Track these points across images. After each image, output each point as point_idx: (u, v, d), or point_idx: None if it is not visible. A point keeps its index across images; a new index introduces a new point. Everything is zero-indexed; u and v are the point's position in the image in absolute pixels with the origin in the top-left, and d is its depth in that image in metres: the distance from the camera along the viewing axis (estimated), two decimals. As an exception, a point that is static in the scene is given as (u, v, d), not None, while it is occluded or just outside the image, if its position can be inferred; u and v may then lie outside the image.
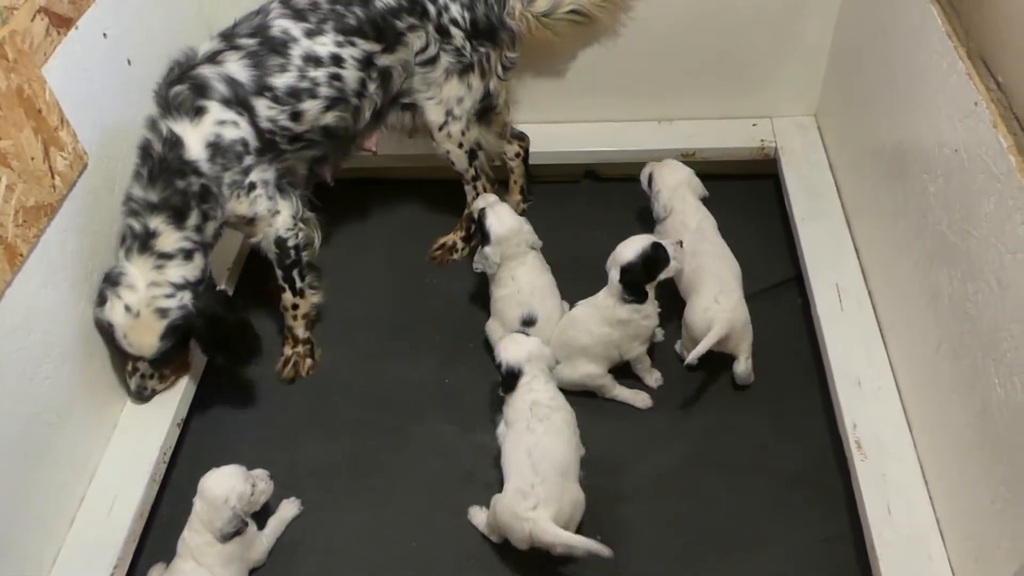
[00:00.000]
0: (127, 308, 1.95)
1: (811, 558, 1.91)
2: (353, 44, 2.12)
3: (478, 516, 2.01)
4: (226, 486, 1.85)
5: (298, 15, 2.10)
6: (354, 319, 2.47)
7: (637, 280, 2.11)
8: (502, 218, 2.26)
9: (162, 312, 1.96)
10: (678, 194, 2.43)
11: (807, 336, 2.31)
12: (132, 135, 2.11)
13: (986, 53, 1.67)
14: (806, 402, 2.19)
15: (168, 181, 1.95)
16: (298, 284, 2.26)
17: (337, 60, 2.11)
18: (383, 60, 2.18)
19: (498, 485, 2.07)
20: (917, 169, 1.87)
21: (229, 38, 2.07)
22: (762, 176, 2.74)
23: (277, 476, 2.03)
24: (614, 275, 2.13)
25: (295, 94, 2.08)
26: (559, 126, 2.77)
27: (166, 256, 1.96)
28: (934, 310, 1.79)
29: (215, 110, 1.99)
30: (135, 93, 2.12)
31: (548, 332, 2.23)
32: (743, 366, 2.17)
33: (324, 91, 2.11)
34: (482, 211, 2.28)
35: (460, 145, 2.42)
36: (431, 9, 2.20)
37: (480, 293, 2.45)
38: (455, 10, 2.23)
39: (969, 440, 1.63)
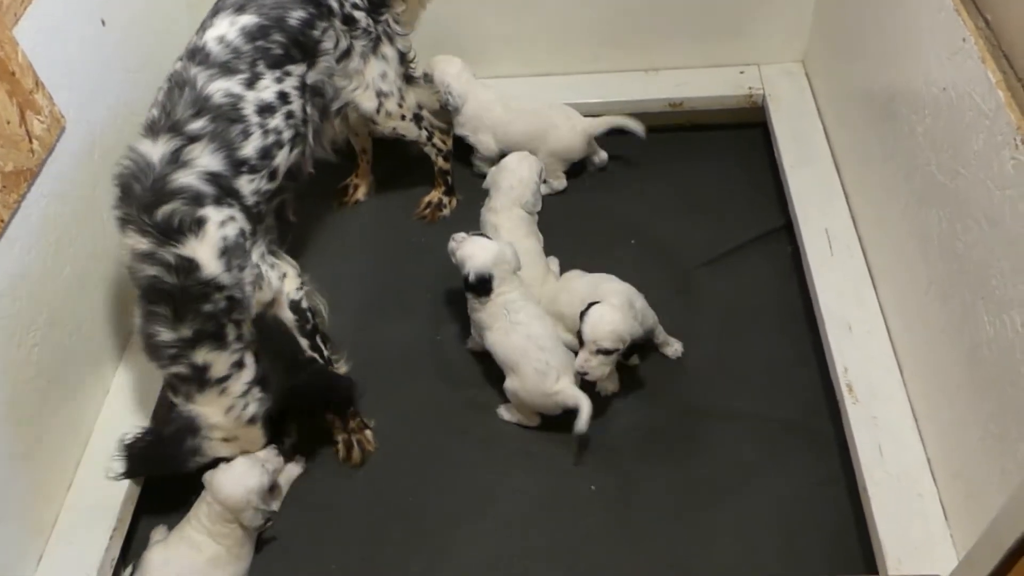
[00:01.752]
0: (225, 440, 1.87)
1: (804, 501, 1.93)
2: (288, 74, 1.96)
3: (507, 415, 2.12)
4: (244, 489, 1.82)
5: (226, 70, 1.86)
6: (343, 281, 2.45)
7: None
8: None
9: (251, 419, 1.88)
10: (463, 79, 2.56)
11: (798, 284, 2.32)
12: (110, 97, 2.09)
13: (975, -11, 1.65)
14: (797, 349, 2.20)
15: (196, 311, 1.76)
16: (325, 352, 2.08)
17: (284, 97, 1.94)
18: (312, 77, 2.04)
19: (496, 438, 2.10)
20: (905, 110, 1.86)
21: (175, 129, 1.79)
22: (751, 125, 2.72)
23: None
24: None
25: (266, 154, 1.90)
26: (544, 78, 2.75)
27: (224, 379, 1.82)
28: (923, 251, 1.79)
29: (213, 214, 1.78)
30: (111, 55, 2.08)
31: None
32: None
33: (286, 135, 1.95)
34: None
35: (403, 117, 2.37)
36: (334, 5, 2.09)
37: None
38: None
39: (958, 379, 1.64)
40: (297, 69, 1.99)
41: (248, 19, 1.92)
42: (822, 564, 1.83)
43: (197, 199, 1.76)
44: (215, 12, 1.95)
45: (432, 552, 1.93)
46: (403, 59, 2.33)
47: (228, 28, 1.90)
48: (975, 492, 1.59)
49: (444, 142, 2.53)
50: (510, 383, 2.05)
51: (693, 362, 2.20)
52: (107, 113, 2.08)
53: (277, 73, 1.94)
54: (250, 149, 1.87)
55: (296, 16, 1.99)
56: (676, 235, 2.48)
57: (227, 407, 1.84)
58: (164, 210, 1.73)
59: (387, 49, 2.27)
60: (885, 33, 2.00)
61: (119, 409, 2.07)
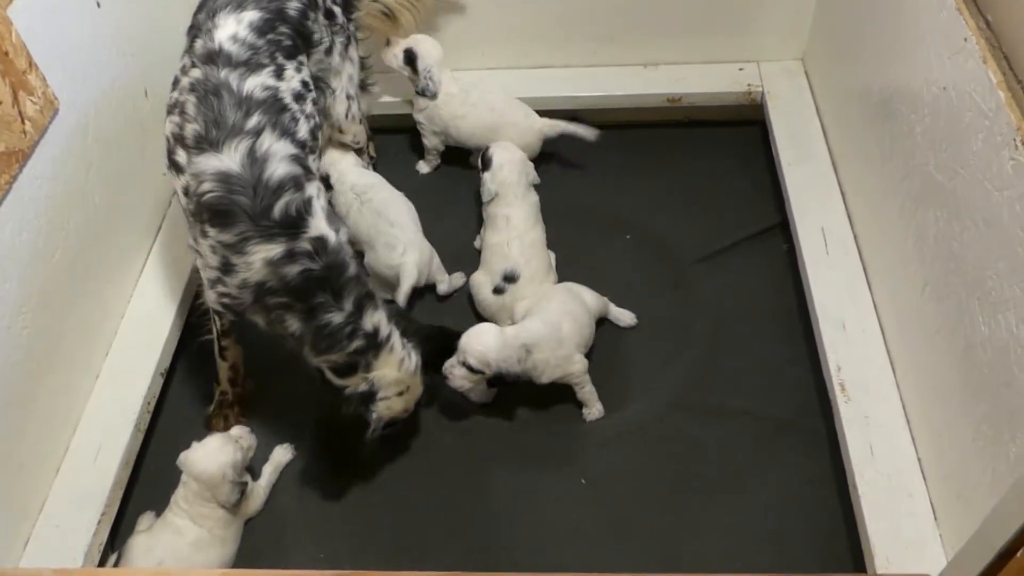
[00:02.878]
0: (400, 394, 1.89)
1: (794, 499, 1.93)
2: (302, 63, 1.97)
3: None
4: (217, 463, 1.82)
5: (252, 67, 1.84)
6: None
7: None
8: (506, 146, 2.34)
9: (416, 368, 1.92)
10: (441, 67, 2.48)
11: (793, 282, 2.31)
12: (104, 80, 2.07)
13: (976, -11, 1.65)
14: (791, 347, 2.20)
15: (346, 281, 1.78)
16: None
17: (306, 85, 1.96)
18: (312, 68, 2.06)
19: (486, 430, 2.10)
20: (904, 109, 1.86)
21: (235, 132, 1.75)
22: (748, 122, 2.72)
23: (263, 419, 2.03)
24: None
25: (314, 136, 1.94)
26: (542, 71, 2.73)
27: (389, 336, 1.85)
28: (919, 251, 1.78)
29: (312, 190, 1.80)
30: (105, 37, 2.06)
31: (528, 293, 2.19)
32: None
33: (317, 119, 1.98)
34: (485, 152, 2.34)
35: (361, 121, 2.37)
36: None
37: (468, 226, 2.43)
38: None
39: (951, 380, 1.64)
40: (305, 59, 1.99)
41: (252, 14, 1.90)
42: (812, 562, 1.84)
43: (297, 182, 1.76)
44: (213, 13, 1.90)
45: (419, 542, 1.93)
46: (362, 63, 2.33)
47: (237, 26, 1.87)
48: (965, 493, 1.59)
49: (373, 149, 2.55)
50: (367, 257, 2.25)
51: (686, 358, 2.20)
52: (101, 96, 2.06)
53: (295, 63, 1.94)
54: (304, 132, 1.88)
55: (293, 7, 1.99)
56: (672, 231, 2.47)
57: (399, 361, 1.86)
58: (279, 206, 1.72)
59: (353, 51, 2.27)
60: (885, 32, 1.99)
61: (109, 394, 2.05)
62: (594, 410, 2.09)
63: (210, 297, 1.84)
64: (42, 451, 1.88)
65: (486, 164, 2.32)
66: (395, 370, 1.86)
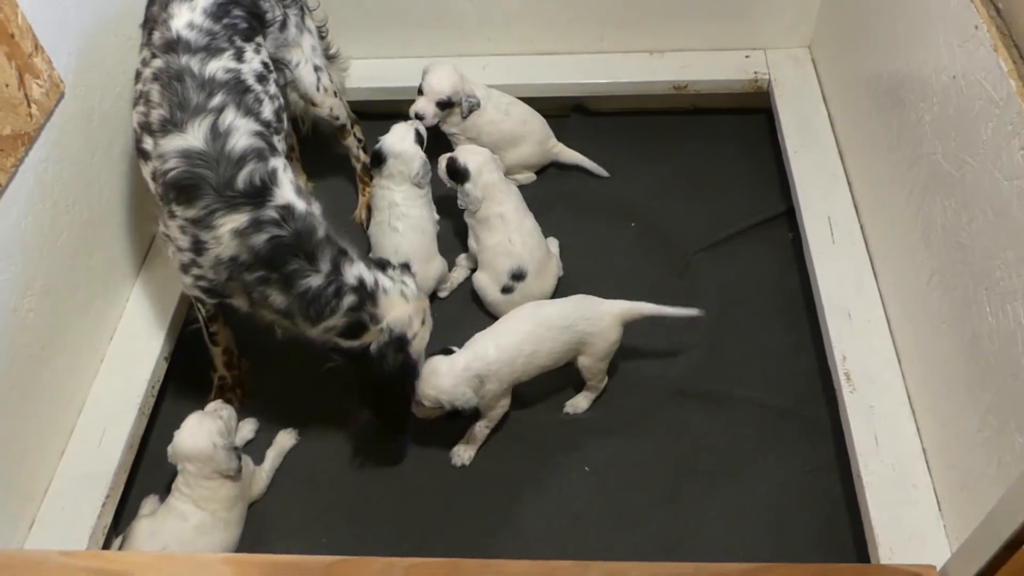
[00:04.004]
0: (423, 323, 1.89)
1: (796, 488, 1.93)
2: (260, 45, 1.96)
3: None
4: (204, 434, 1.82)
5: (212, 51, 1.83)
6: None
7: None
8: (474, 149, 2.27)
9: (416, 292, 1.91)
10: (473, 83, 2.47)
11: (797, 271, 2.31)
12: (109, 63, 2.06)
13: (987, -23, 1.63)
14: (795, 337, 2.19)
15: (317, 243, 1.76)
16: None
17: (267, 66, 1.96)
18: (270, 48, 2.04)
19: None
20: (913, 98, 1.84)
21: (198, 112, 1.75)
22: (754, 110, 2.70)
23: (267, 403, 2.02)
24: None
25: (278, 117, 1.94)
26: (547, 58, 2.72)
27: (375, 281, 1.83)
28: (926, 241, 1.78)
29: (277, 163, 1.79)
30: (110, 20, 2.05)
31: (537, 288, 2.20)
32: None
33: (281, 100, 1.98)
34: (451, 158, 2.25)
35: (335, 93, 2.34)
36: None
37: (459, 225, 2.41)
38: None
39: (957, 370, 1.64)
40: (262, 40, 1.99)
41: (204, 1, 1.88)
42: (814, 552, 1.84)
43: (260, 154, 1.76)
44: (165, 4, 1.88)
45: (421, 530, 1.93)
46: (320, 34, 2.32)
47: (191, 14, 1.86)
48: (970, 484, 1.59)
49: (359, 129, 2.51)
50: None
51: (690, 346, 2.20)
52: (106, 79, 2.05)
53: (252, 45, 1.93)
54: (268, 113, 1.88)
55: None
56: (676, 219, 2.47)
57: (400, 294, 1.85)
58: (242, 176, 1.71)
59: (310, 22, 2.25)
60: (894, 20, 1.98)
61: (114, 376, 2.06)
62: (579, 406, 2.09)
63: (186, 283, 1.83)
64: (47, 434, 1.89)
65: (462, 175, 2.22)
66: (403, 305, 1.84)
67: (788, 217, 2.43)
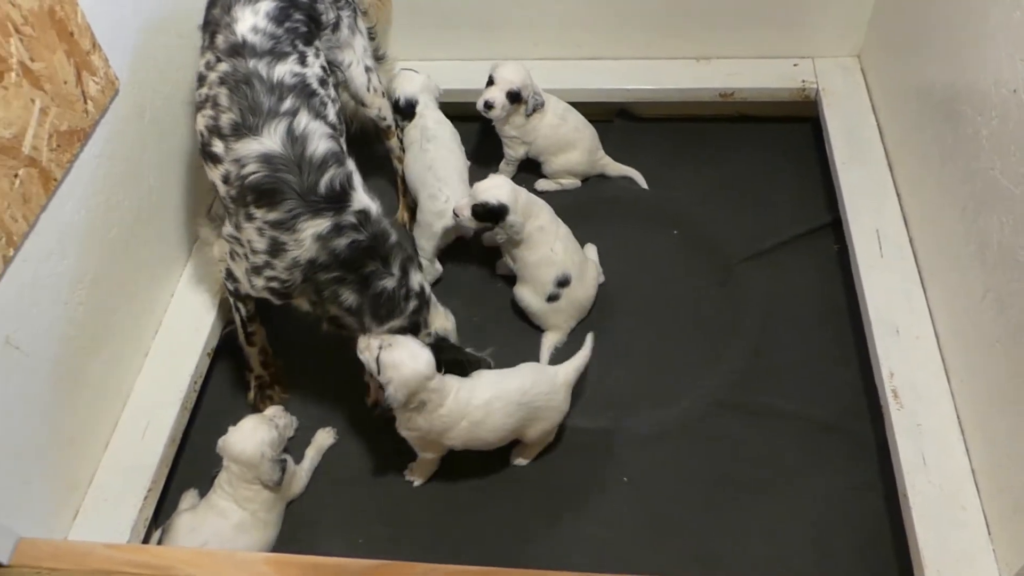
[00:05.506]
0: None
1: (839, 505, 1.90)
2: (319, 48, 1.98)
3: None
4: (255, 442, 1.84)
5: (277, 55, 1.84)
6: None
7: None
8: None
9: (452, 319, 2.03)
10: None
11: (843, 283, 2.27)
12: (162, 61, 2.09)
13: (1053, -12, 1.59)
14: (839, 350, 2.16)
15: (390, 247, 1.82)
16: None
17: (325, 70, 1.97)
18: (324, 50, 2.04)
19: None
20: (969, 111, 1.81)
21: (272, 115, 1.76)
22: (801, 119, 2.67)
23: (305, 402, 2.03)
24: None
25: (340, 119, 1.96)
26: (592, 62, 2.71)
27: (430, 294, 1.94)
28: (981, 258, 1.74)
29: (352, 165, 1.84)
30: (163, 19, 2.08)
31: (582, 293, 2.20)
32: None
33: (339, 101, 2.01)
34: (477, 203, 2.14)
35: (384, 94, 2.36)
36: None
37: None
38: None
39: (1010, 390, 1.60)
40: (319, 44, 2.00)
41: (267, 4, 1.90)
42: (856, 571, 1.81)
43: (338, 158, 1.80)
44: (228, 7, 1.89)
45: (459, 533, 1.93)
46: (370, 35, 2.34)
47: (255, 18, 1.87)
48: (1023, 507, 1.55)
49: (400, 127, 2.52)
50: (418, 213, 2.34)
51: (732, 357, 2.17)
52: (158, 77, 2.08)
53: (313, 49, 1.95)
54: (332, 115, 1.90)
55: None
56: (720, 227, 2.45)
57: (443, 314, 1.98)
58: (324, 181, 1.74)
59: (361, 24, 2.27)
60: (951, 30, 1.94)
61: (158, 370, 2.08)
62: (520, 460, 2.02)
63: (257, 285, 1.84)
64: (92, 425, 1.91)
65: (499, 213, 2.09)
66: (444, 321, 1.97)
67: (833, 228, 2.40)
